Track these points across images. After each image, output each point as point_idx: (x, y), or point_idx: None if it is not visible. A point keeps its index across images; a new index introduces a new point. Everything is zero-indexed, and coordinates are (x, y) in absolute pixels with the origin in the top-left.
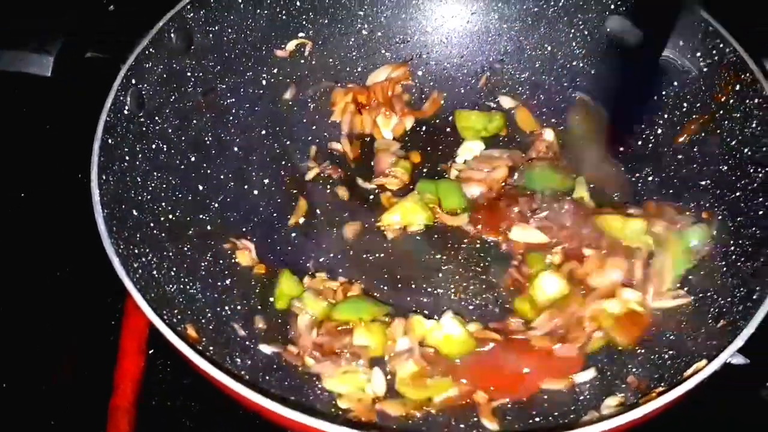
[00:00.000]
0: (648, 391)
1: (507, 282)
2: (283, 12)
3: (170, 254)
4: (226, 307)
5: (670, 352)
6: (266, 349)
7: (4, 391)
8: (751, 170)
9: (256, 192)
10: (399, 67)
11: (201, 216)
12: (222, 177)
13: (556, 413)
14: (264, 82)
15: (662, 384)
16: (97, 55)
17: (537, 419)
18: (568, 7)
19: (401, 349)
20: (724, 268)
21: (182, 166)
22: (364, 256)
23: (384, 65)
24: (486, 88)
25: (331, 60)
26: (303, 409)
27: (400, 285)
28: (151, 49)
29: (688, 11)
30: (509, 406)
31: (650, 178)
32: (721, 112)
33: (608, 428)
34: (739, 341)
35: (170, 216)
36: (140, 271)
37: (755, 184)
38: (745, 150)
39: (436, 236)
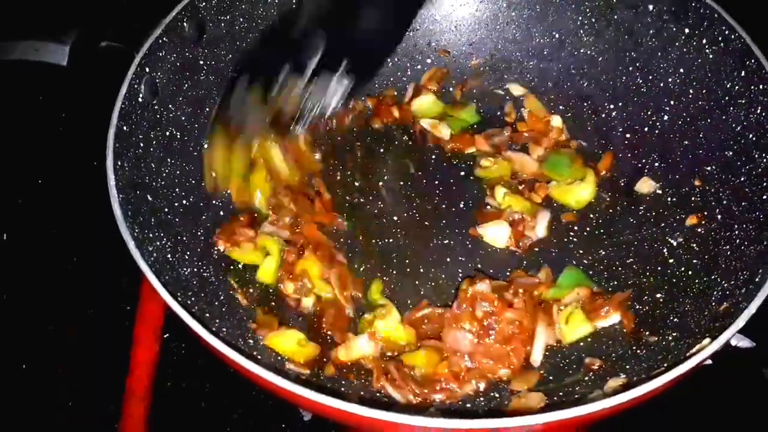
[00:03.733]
0: (651, 371)
1: None
2: (293, 0)
3: (184, 238)
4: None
5: (674, 334)
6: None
7: (22, 373)
8: (756, 156)
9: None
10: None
11: (214, 201)
12: None
13: (560, 393)
14: None
15: (665, 365)
16: (111, 44)
17: None
18: None
19: None
20: (728, 252)
21: (195, 153)
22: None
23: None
24: (495, 75)
25: None
26: (315, 387)
27: None
28: (164, 39)
29: None
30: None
31: (656, 164)
32: (726, 98)
33: (612, 405)
34: (740, 321)
35: (184, 201)
36: (155, 254)
37: (759, 170)
38: (750, 136)
39: None
